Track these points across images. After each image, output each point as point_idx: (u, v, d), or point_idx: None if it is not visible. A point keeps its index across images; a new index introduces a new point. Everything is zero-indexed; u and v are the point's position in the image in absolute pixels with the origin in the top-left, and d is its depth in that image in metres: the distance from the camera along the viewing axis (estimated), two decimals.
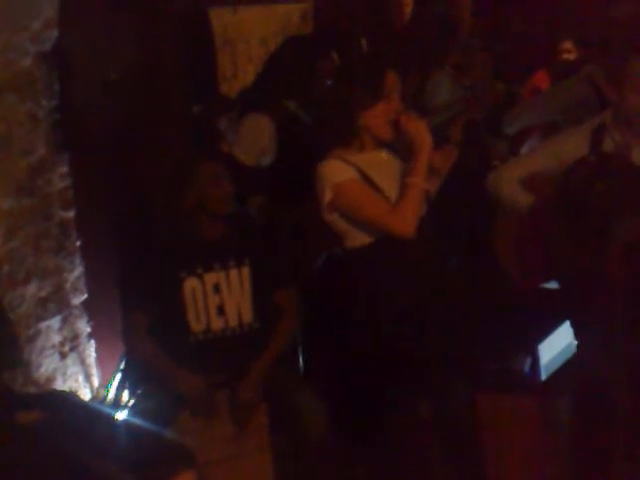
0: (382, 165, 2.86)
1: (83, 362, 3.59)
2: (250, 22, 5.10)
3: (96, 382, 3.64)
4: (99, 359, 3.66)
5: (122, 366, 3.42)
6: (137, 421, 2.81)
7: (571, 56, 5.03)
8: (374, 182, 2.80)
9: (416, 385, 2.79)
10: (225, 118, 4.30)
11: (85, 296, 3.61)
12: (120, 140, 3.67)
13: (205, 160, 2.95)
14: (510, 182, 3.09)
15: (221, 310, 2.98)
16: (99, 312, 3.65)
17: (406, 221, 2.72)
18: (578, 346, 2.96)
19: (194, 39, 4.33)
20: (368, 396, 2.88)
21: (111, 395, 3.41)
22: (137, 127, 3.74)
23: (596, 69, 3.89)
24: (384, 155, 2.87)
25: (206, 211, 2.94)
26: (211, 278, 2.97)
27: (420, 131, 2.74)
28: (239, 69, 4.99)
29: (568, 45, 5.06)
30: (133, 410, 3.01)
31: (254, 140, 3.63)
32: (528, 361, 3.19)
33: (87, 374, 3.61)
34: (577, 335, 2.98)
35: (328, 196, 2.78)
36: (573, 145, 2.96)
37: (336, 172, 2.78)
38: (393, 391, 2.80)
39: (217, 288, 2.97)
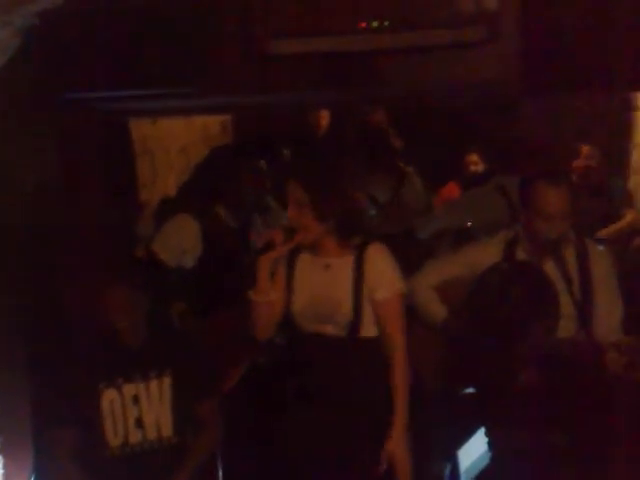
0: None
1: None
2: (170, 132, 5.19)
3: None
4: (7, 476, 3.48)
5: None
6: None
7: (478, 168, 5.26)
8: None
9: None
10: (143, 225, 4.30)
11: None
12: (35, 250, 3.62)
13: (114, 286, 2.91)
14: (425, 290, 3.18)
15: (139, 423, 2.92)
16: (8, 427, 3.49)
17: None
18: (491, 455, 2.99)
19: (113, 147, 4.36)
20: None
21: None
22: (53, 237, 3.69)
23: (506, 179, 4.08)
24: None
25: (116, 339, 2.91)
26: (130, 389, 2.92)
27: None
28: (159, 177, 5.04)
29: (474, 157, 5.31)
30: None
31: (177, 239, 3.64)
32: (448, 467, 3.20)
33: None
34: (490, 442, 3.02)
35: None
36: (487, 254, 3.07)
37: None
38: None
39: (136, 399, 2.92)
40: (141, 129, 4.84)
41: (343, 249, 2.82)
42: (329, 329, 2.81)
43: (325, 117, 5.50)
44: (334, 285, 2.81)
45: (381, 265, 2.81)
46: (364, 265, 2.80)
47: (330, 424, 2.78)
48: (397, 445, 2.75)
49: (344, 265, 2.81)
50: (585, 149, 4.65)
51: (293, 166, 2.95)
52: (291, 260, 2.86)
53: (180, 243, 3.61)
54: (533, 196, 3.03)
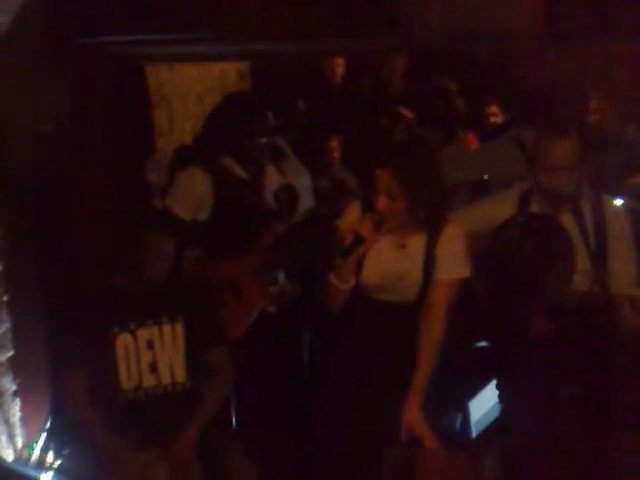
0: None
1: (7, 421, 3.47)
2: (186, 79, 5.15)
3: (20, 442, 3.52)
4: (24, 418, 3.54)
5: (48, 425, 3.32)
6: None
7: (497, 119, 5.21)
8: None
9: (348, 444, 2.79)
10: (154, 171, 4.30)
11: (11, 352, 3.50)
12: (51, 193, 3.62)
13: (129, 233, 2.92)
14: None
15: (153, 367, 2.95)
16: (25, 369, 3.54)
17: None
18: (502, 407, 3.00)
19: (129, 94, 4.33)
20: (300, 453, 2.87)
21: (36, 456, 3.31)
22: (68, 180, 3.70)
23: (524, 132, 4.03)
24: None
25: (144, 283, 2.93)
26: (144, 334, 2.95)
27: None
28: (175, 125, 5.01)
29: (494, 109, 5.25)
30: (59, 472, 2.93)
31: (190, 194, 3.63)
32: (459, 418, 3.22)
33: (11, 434, 3.49)
34: (501, 394, 3.03)
35: None
36: (501, 208, 3.06)
37: None
38: (327, 450, 2.81)
39: (150, 344, 2.95)
40: (158, 75, 4.80)
41: (417, 226, 2.80)
42: (390, 297, 2.85)
43: (341, 65, 5.43)
44: (407, 264, 2.82)
45: (452, 250, 2.81)
46: (436, 246, 2.80)
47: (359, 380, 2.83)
48: (412, 408, 2.77)
49: (418, 244, 2.81)
50: (593, 103, 4.57)
51: (383, 153, 2.79)
52: None
53: (193, 197, 3.61)
54: (539, 149, 3.01)
